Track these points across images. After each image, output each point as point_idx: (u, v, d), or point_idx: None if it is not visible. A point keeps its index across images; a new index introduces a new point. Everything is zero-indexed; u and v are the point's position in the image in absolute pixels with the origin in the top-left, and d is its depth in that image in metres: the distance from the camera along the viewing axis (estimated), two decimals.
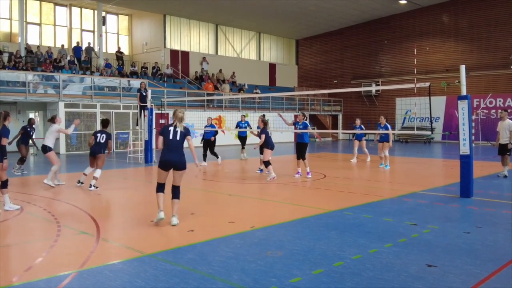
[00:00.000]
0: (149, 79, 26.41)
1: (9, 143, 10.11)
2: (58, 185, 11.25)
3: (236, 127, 17.74)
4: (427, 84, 9.78)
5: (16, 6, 26.37)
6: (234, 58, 35.69)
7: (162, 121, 23.84)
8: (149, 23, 32.12)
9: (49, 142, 11.15)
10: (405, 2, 30.20)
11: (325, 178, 12.44)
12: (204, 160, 15.85)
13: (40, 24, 28.55)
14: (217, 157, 16.34)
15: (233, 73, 33.47)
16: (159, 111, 22.57)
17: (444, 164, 17.08)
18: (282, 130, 18.31)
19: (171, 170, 6.96)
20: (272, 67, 38.38)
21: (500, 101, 28.23)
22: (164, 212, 6.88)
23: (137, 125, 18.22)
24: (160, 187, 7.03)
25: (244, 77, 34.28)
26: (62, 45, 26.62)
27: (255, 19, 33.43)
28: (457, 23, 30.44)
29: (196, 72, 31.71)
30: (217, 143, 16.74)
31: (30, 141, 13.76)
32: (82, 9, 30.43)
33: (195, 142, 17.35)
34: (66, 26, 29.84)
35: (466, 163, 9.06)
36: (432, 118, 28.50)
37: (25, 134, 13.33)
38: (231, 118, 27.60)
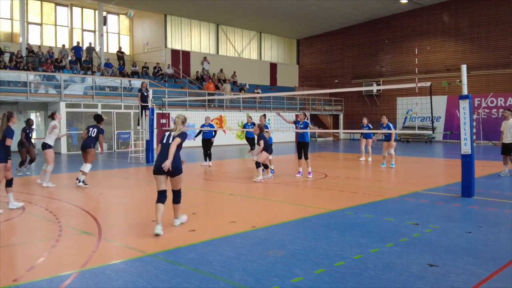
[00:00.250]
0: (150, 79, 26.42)
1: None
2: (40, 183, 11.17)
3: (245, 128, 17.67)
4: (428, 83, 9.78)
5: (17, 6, 26.40)
6: (235, 58, 35.69)
7: (163, 121, 23.85)
8: (150, 23, 32.13)
9: (49, 140, 11.17)
10: (406, 1, 30.18)
11: (326, 177, 12.44)
12: (205, 160, 15.80)
13: (41, 24, 28.57)
14: (209, 159, 15.86)
15: (234, 72, 33.47)
16: (160, 111, 22.57)
17: (446, 163, 17.07)
18: (284, 130, 18.28)
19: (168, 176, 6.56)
20: (273, 66, 38.37)
21: (501, 100, 28.19)
22: (165, 216, 6.75)
23: (138, 125, 18.23)
24: (159, 197, 6.53)
25: (245, 76, 34.28)
26: (63, 45, 26.63)
27: (256, 18, 33.42)
28: (458, 22, 30.41)
29: (197, 72, 31.72)
30: (218, 143, 16.72)
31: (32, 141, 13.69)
32: (83, 9, 30.45)
33: (195, 143, 17.43)
34: (67, 26, 29.86)
35: (467, 162, 9.05)
36: (433, 118, 28.54)
37: (25, 136, 13.11)
38: (232, 118, 27.63)
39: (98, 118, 11.52)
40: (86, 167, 10.92)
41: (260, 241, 5.97)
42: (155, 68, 29.06)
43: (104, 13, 29.80)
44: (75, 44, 27.14)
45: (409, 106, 28.57)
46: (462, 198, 9.00)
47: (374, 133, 16.73)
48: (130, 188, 11.39)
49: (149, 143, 16.87)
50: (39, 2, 28.40)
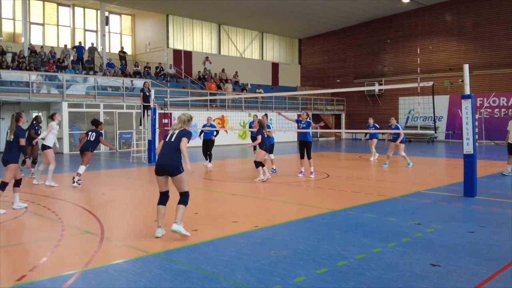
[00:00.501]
0: (152, 79, 26.44)
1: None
2: (37, 184, 11.27)
3: (250, 127, 17.65)
4: (430, 83, 9.77)
5: (20, 6, 26.42)
6: (237, 58, 35.69)
7: (165, 120, 23.87)
8: (152, 23, 32.15)
9: (48, 141, 11.25)
10: (408, 1, 30.13)
11: (329, 177, 12.44)
12: (206, 159, 15.74)
13: (43, 24, 28.61)
14: (210, 160, 15.71)
15: (236, 72, 33.48)
16: (162, 111, 22.61)
17: (448, 163, 17.05)
18: (286, 130, 18.28)
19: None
20: (275, 66, 38.36)
21: (503, 100, 28.16)
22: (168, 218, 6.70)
23: (140, 125, 18.26)
24: (161, 198, 6.29)
25: (247, 76, 34.28)
26: (65, 45, 26.68)
27: (258, 18, 33.42)
28: (460, 22, 30.36)
29: (199, 71, 31.73)
30: (220, 143, 16.70)
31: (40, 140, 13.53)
32: (85, 9, 30.48)
33: (196, 142, 17.43)
34: (69, 26, 29.90)
35: (469, 162, 9.04)
36: (436, 117, 28.48)
37: (34, 133, 13.07)
38: (234, 118, 27.63)
39: (95, 122, 11.74)
40: (81, 169, 11.13)
41: (262, 241, 5.97)
42: (157, 68, 29.08)
43: (106, 13, 29.81)
44: (77, 44, 27.19)
45: (411, 105, 28.58)
46: (464, 198, 8.99)
47: (381, 134, 16.78)
48: (133, 188, 11.41)
49: (151, 143, 16.88)
50: (41, 2, 28.44)
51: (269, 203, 9.15)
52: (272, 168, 13.56)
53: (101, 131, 11.60)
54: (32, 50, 24.34)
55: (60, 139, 20.27)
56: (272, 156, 13.63)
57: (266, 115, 14.20)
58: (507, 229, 6.56)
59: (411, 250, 5.48)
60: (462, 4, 30.14)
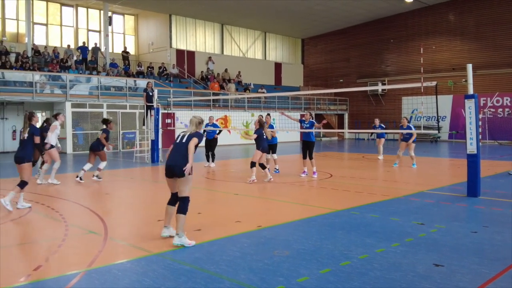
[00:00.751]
0: (155, 79, 26.48)
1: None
2: (40, 184, 11.33)
3: None
4: (434, 83, 9.75)
5: (23, 6, 26.52)
6: (240, 58, 35.70)
7: (169, 120, 23.90)
8: (155, 23, 32.19)
9: (51, 140, 11.32)
10: (411, 0, 30.08)
11: (332, 177, 12.44)
12: (208, 160, 15.60)
13: (46, 25, 28.70)
14: (213, 160, 15.62)
15: (239, 72, 33.49)
16: (165, 111, 22.62)
17: (451, 163, 17.02)
18: (289, 130, 18.29)
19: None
20: (278, 66, 38.36)
21: (507, 99, 28.10)
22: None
23: (144, 124, 18.28)
24: (171, 199, 6.18)
25: (249, 76, 34.30)
26: (68, 45, 26.73)
27: (261, 18, 33.42)
28: (463, 21, 30.30)
29: (202, 71, 31.76)
30: (223, 143, 16.68)
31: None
32: (88, 9, 30.56)
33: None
34: (73, 26, 29.98)
35: (473, 162, 9.03)
36: (439, 117, 28.43)
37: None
38: (237, 117, 27.65)
39: (104, 121, 12.56)
40: (102, 164, 11.96)
41: (266, 241, 5.98)
42: (160, 68, 29.12)
43: (109, 13, 29.88)
44: (80, 44, 27.27)
45: (415, 105, 28.55)
46: (467, 198, 8.98)
47: (387, 133, 16.84)
48: (136, 188, 11.44)
49: (154, 143, 16.92)
50: (45, 2, 28.53)
51: (272, 203, 9.15)
52: (275, 168, 13.55)
53: (109, 129, 12.15)
54: (36, 50, 24.41)
55: (63, 139, 20.36)
56: (275, 156, 13.62)
57: (269, 114, 14.19)
58: (510, 229, 6.54)
59: (414, 250, 5.48)
60: (465, 3, 30.08)
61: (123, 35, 32.79)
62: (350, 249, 5.56)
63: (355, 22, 35.11)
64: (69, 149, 21.61)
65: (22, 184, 8.05)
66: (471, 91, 9.08)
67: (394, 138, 20.02)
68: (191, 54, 32.16)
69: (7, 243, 6.05)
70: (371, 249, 5.55)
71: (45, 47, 25.48)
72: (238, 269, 4.86)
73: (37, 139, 8.23)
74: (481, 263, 5.01)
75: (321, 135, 33.95)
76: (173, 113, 24.64)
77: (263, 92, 30.49)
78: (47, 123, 12.51)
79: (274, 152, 13.57)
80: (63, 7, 29.47)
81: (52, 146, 11.31)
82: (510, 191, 9.93)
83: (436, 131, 26.56)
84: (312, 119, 12.90)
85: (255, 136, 11.75)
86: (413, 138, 14.73)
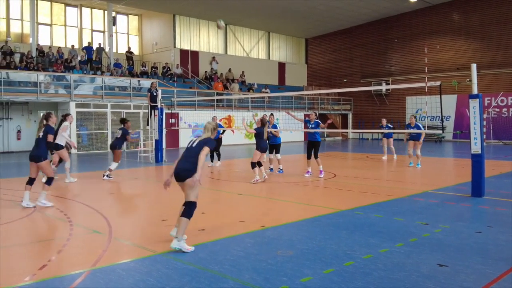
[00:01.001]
0: (159, 79, 26.53)
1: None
2: (70, 182, 11.51)
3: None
4: (438, 83, 9.73)
5: (27, 7, 26.61)
6: (244, 58, 35.71)
7: (172, 120, 23.94)
8: (159, 23, 32.25)
9: (60, 141, 11.44)
10: (415, 0, 30.01)
11: (336, 177, 12.43)
12: (212, 161, 15.52)
13: (51, 25, 28.79)
14: (218, 159, 15.53)
15: (243, 72, 33.50)
16: (169, 111, 22.67)
17: (455, 163, 16.98)
18: (292, 130, 18.27)
19: None
20: (282, 66, 38.35)
21: (511, 99, 27.99)
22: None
23: (148, 124, 18.32)
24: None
25: (253, 76, 34.30)
26: (73, 46, 26.81)
27: (264, 18, 33.42)
28: (468, 21, 30.20)
29: (205, 71, 31.79)
30: (226, 143, 16.67)
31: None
32: (92, 9, 30.63)
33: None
34: (77, 27, 30.06)
35: (477, 162, 9.01)
36: (443, 117, 28.36)
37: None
38: (240, 117, 27.62)
39: (122, 121, 13.01)
40: (112, 165, 12.15)
41: (269, 241, 5.99)
42: (164, 68, 29.17)
43: (113, 14, 29.95)
44: (85, 44, 27.36)
45: (419, 105, 28.50)
46: (472, 198, 8.96)
47: (395, 133, 16.86)
48: (140, 187, 11.48)
49: (158, 143, 16.96)
50: (49, 2, 28.62)
51: (276, 203, 9.16)
52: (279, 168, 13.55)
53: (127, 129, 12.56)
54: (40, 51, 24.50)
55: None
56: (278, 156, 13.62)
57: (272, 114, 14.19)
58: None
59: (419, 250, 5.47)
60: (469, 3, 29.98)
61: (127, 35, 32.86)
62: (354, 249, 5.56)
63: (359, 22, 35.05)
64: (73, 149, 21.62)
65: (49, 181, 8.41)
66: (475, 90, 9.05)
67: (399, 138, 19.95)
68: (195, 54, 32.19)
69: (12, 242, 6.09)
70: (375, 249, 5.55)
71: (50, 47, 25.56)
72: (242, 269, 4.87)
73: (50, 138, 8.50)
74: (486, 263, 5.00)
75: (325, 135, 33.92)
76: (177, 113, 24.67)
77: (267, 92, 30.48)
78: (66, 119, 12.55)
79: (277, 152, 13.58)
80: (67, 8, 29.55)
81: (62, 147, 11.45)
82: None
83: (441, 131, 26.51)
84: (317, 119, 12.90)
85: (253, 131, 11.79)
86: (423, 137, 14.76)
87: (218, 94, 28.15)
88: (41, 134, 8.45)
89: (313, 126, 12.56)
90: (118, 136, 12.49)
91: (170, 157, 17.84)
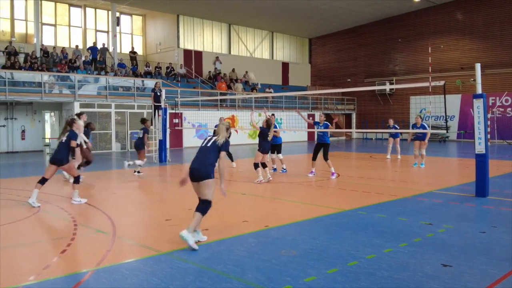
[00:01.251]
0: (163, 79, 26.57)
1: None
2: (66, 180, 11.59)
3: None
4: (442, 82, 9.71)
5: (32, 7, 26.70)
6: (247, 58, 35.71)
7: (176, 120, 23.98)
8: (163, 23, 32.29)
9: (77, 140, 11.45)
10: None
11: (339, 177, 12.42)
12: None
13: (55, 25, 28.87)
14: (232, 160, 15.52)
15: (246, 72, 33.50)
16: (173, 111, 22.69)
17: (460, 163, 16.93)
18: (296, 130, 18.25)
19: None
20: (285, 66, 38.32)
21: None
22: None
23: (151, 124, 18.34)
24: (198, 204, 5.85)
25: (257, 76, 34.28)
26: (77, 46, 26.88)
27: (268, 18, 33.41)
28: (472, 20, 30.10)
29: (209, 71, 31.82)
30: (230, 143, 16.63)
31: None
32: (96, 9, 30.70)
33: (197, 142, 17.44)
34: (81, 27, 30.13)
35: (481, 162, 8.98)
36: (447, 117, 28.30)
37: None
38: (244, 117, 27.66)
39: (142, 121, 13.50)
40: (137, 162, 12.79)
41: (273, 241, 5.99)
42: (167, 68, 29.21)
43: (117, 14, 30.01)
44: (90, 44, 27.43)
45: (423, 105, 28.37)
46: (476, 198, 8.93)
47: (402, 133, 16.91)
48: (144, 187, 11.49)
49: (162, 142, 16.99)
50: (53, 3, 28.70)
51: (279, 203, 9.16)
52: (282, 168, 13.55)
53: (148, 128, 13.10)
54: (44, 51, 24.57)
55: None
56: (280, 156, 13.61)
57: (273, 114, 14.17)
58: None
59: (422, 250, 5.46)
60: (473, 2, 29.88)
61: (131, 36, 32.91)
62: (357, 249, 5.55)
63: (363, 22, 34.99)
64: (78, 149, 21.66)
65: (77, 180, 8.76)
66: (479, 90, 9.02)
67: (403, 138, 19.91)
68: (199, 54, 32.22)
69: (16, 242, 6.11)
70: (378, 249, 5.54)
71: (54, 47, 25.62)
72: (246, 269, 4.87)
73: (73, 143, 8.75)
74: (490, 263, 4.99)
75: (329, 135, 33.80)
76: (181, 113, 24.71)
77: (270, 92, 30.47)
78: (89, 127, 12.26)
79: (279, 152, 13.56)
80: (71, 8, 29.62)
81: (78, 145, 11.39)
82: None
83: (445, 131, 26.43)
84: (326, 121, 12.92)
85: (258, 128, 11.91)
86: (428, 136, 14.75)
87: (221, 94, 28.17)
88: (64, 138, 8.68)
89: (322, 127, 12.59)
90: (141, 135, 12.97)
91: (173, 157, 17.87)
